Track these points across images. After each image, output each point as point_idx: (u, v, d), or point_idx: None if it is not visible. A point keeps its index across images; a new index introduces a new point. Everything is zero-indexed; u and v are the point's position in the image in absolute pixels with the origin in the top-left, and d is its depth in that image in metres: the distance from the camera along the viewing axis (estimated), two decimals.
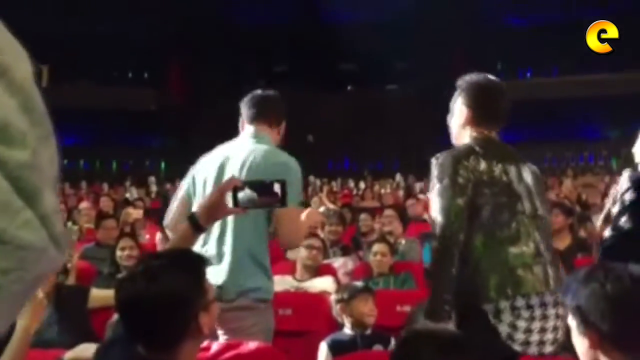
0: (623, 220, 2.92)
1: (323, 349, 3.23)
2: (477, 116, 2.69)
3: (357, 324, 3.34)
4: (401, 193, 11.95)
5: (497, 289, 2.47)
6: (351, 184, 16.72)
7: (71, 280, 4.20)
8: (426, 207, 8.71)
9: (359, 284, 3.67)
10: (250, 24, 24.70)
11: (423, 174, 17.18)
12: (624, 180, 3.11)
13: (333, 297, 3.46)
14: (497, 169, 2.57)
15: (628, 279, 1.65)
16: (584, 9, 22.76)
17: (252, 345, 2.61)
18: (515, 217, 2.54)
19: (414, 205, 8.05)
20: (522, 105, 17.33)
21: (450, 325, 2.48)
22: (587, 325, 1.66)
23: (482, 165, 2.55)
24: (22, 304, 0.45)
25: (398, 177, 16.80)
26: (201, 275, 1.78)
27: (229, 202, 2.07)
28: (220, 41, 22.76)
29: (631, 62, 22.03)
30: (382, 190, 12.87)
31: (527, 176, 2.64)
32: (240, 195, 2.07)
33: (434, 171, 2.59)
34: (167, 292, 1.68)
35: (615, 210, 3.05)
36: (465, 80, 2.76)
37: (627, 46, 23.40)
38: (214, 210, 2.10)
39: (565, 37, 23.40)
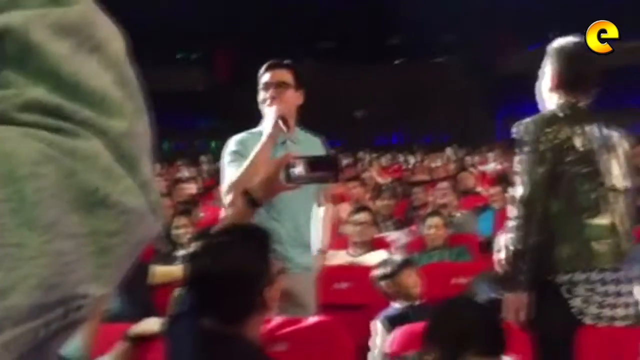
0: None
1: (378, 326, 3.23)
2: (563, 82, 2.61)
3: (405, 298, 3.33)
4: (452, 166, 11.80)
5: (572, 260, 2.44)
6: (400, 158, 16.60)
7: None
8: (479, 180, 8.62)
9: (397, 257, 3.65)
10: (295, 1, 24.61)
11: (473, 146, 17.00)
12: None
13: (374, 274, 3.45)
14: (580, 137, 2.51)
15: None
16: None
17: (311, 319, 2.64)
18: (595, 188, 2.49)
19: (467, 177, 7.94)
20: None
21: (524, 296, 2.48)
22: None
23: (565, 133, 2.50)
24: (125, 269, 0.47)
25: (449, 150, 16.60)
26: (267, 250, 1.80)
27: (283, 177, 2.08)
28: (266, 19, 22.78)
29: None
30: (433, 164, 12.75)
31: (614, 146, 2.57)
32: (295, 170, 2.07)
33: (517, 137, 2.55)
34: (235, 267, 1.70)
35: None
36: (554, 44, 2.69)
37: None
38: (270, 186, 2.10)
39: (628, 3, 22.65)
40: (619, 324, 2.43)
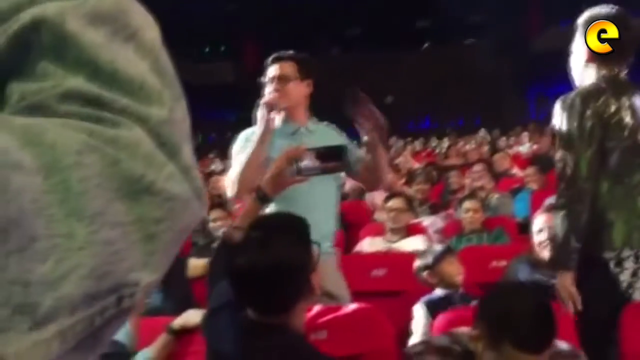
0: None
1: (420, 310, 3.22)
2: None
3: (448, 286, 3.31)
4: (486, 149, 11.67)
5: (623, 237, 2.40)
6: (433, 143, 16.48)
7: None
8: (514, 161, 8.51)
9: (437, 246, 3.61)
10: None
11: (507, 127, 16.78)
12: None
13: (416, 265, 3.42)
14: (628, 110, 2.45)
15: None
16: None
17: (350, 307, 2.64)
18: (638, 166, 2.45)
19: (501, 159, 7.85)
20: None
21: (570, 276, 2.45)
22: None
23: (613, 106, 2.44)
24: (172, 255, 0.47)
25: (482, 132, 16.43)
26: (307, 237, 1.81)
27: (293, 170, 2.07)
28: (292, 10, 22.75)
29: None
30: (467, 147, 12.63)
31: None
32: (303, 163, 2.06)
33: (561, 113, 2.50)
34: (281, 259, 1.71)
35: None
36: (585, 14, 2.61)
37: None
38: (279, 180, 2.10)
39: None
40: None
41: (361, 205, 6.29)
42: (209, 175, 9.19)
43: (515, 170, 7.72)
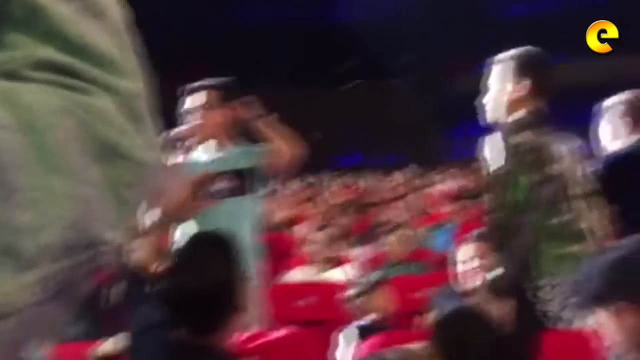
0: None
1: (340, 338, 3.26)
2: (535, 90, 2.67)
3: (379, 316, 3.38)
4: (413, 185, 11.93)
5: (554, 265, 2.51)
6: (361, 179, 16.70)
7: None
8: (439, 198, 8.74)
9: (372, 276, 3.69)
10: (251, 24, 24.73)
11: (433, 165, 17.20)
12: None
13: (349, 293, 3.49)
14: (555, 144, 2.60)
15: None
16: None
17: (282, 331, 2.66)
18: (568, 194, 2.56)
19: (424, 195, 8.07)
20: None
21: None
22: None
23: (542, 139, 2.59)
24: (135, 222, 0.51)
25: (409, 169, 16.77)
26: (235, 257, 1.85)
27: (198, 195, 2.11)
28: (221, 41, 22.81)
29: None
30: (395, 183, 12.87)
31: (572, 153, 2.65)
32: (210, 187, 2.11)
33: (491, 150, 2.60)
34: (213, 279, 1.73)
35: None
36: (517, 54, 2.74)
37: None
38: (187, 205, 2.12)
39: (565, 27, 23.33)
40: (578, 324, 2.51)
41: (290, 236, 6.33)
42: None
43: (439, 206, 7.92)
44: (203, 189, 2.14)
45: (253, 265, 3.03)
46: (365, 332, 3.13)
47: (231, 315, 1.79)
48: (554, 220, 2.54)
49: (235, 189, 2.22)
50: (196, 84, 3.11)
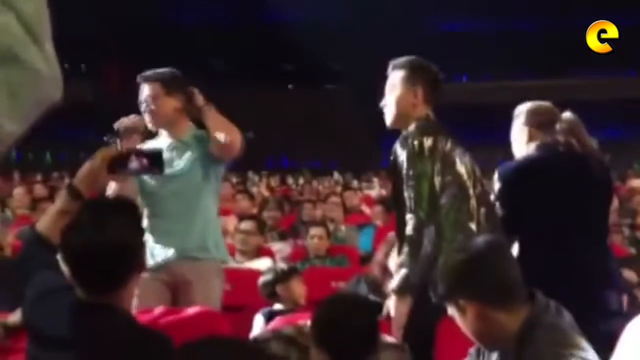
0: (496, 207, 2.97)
1: (258, 319, 3.33)
2: (429, 99, 2.81)
3: (292, 304, 3.45)
4: (339, 189, 12.10)
5: None
6: (289, 180, 16.80)
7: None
8: (363, 200, 8.92)
9: (283, 264, 3.77)
10: (189, 22, 24.54)
11: (360, 172, 17.46)
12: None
13: (264, 279, 3.54)
14: (457, 150, 2.73)
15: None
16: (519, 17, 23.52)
17: (193, 309, 2.69)
18: (467, 198, 2.68)
19: (352, 196, 8.22)
20: (457, 109, 17.90)
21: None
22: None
23: (446, 144, 2.71)
24: (32, 120, 0.59)
25: (336, 175, 16.97)
26: (139, 217, 1.94)
27: (107, 170, 2.14)
28: (159, 39, 22.57)
29: (559, 69, 22.90)
30: (320, 187, 13.02)
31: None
32: (120, 163, 2.15)
33: (408, 156, 2.69)
34: (117, 238, 1.76)
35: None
36: (414, 63, 2.86)
37: (552, 54, 24.35)
38: (93, 178, 2.15)
39: (500, 43, 24.13)
40: None
41: None
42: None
43: (364, 208, 8.09)
44: (116, 163, 2.14)
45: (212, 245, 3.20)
46: (275, 317, 3.20)
47: (130, 275, 1.84)
48: (455, 219, 2.65)
49: (148, 169, 2.26)
50: (140, 76, 3.24)
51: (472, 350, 2.02)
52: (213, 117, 3.15)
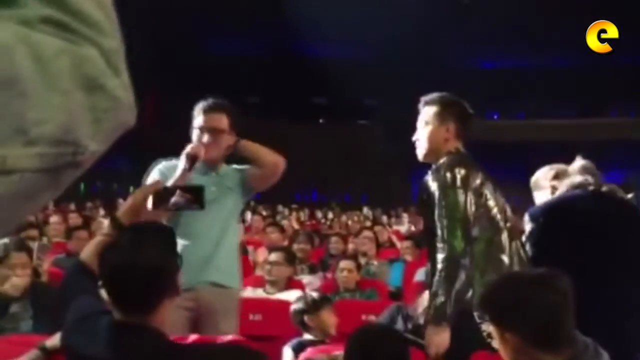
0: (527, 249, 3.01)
1: (287, 352, 3.35)
2: (460, 134, 2.92)
3: (322, 334, 3.47)
4: (368, 224, 12.11)
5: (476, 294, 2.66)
6: (319, 214, 16.84)
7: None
8: (393, 235, 8.93)
9: (318, 295, 3.80)
10: (223, 55, 24.93)
11: (389, 207, 17.44)
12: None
13: (295, 307, 3.57)
14: (489, 186, 2.84)
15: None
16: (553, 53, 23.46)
17: (226, 338, 2.73)
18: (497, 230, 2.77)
19: (381, 231, 8.25)
20: (488, 146, 17.88)
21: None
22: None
23: (477, 177, 2.82)
24: (111, 141, 0.69)
25: (365, 209, 16.98)
26: (174, 243, 1.99)
27: (150, 205, 2.22)
28: (192, 72, 22.95)
29: (594, 110, 22.77)
30: (350, 222, 13.05)
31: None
32: (162, 198, 2.23)
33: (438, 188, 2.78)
34: (152, 260, 1.84)
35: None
36: (444, 100, 2.97)
37: (586, 94, 24.21)
38: (136, 211, 2.23)
39: (533, 81, 24.08)
40: None
41: (244, 260, 6.40)
42: (93, 220, 8.98)
43: (395, 241, 8.11)
44: (158, 198, 2.23)
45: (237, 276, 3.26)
46: (304, 348, 3.23)
47: (164, 298, 1.90)
48: (487, 251, 2.72)
49: (189, 205, 2.33)
50: (214, 102, 3.24)
51: None
52: (252, 144, 3.22)
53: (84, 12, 0.66)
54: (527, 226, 2.99)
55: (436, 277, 2.71)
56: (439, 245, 2.71)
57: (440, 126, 2.88)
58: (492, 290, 1.93)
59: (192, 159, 3.01)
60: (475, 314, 2.67)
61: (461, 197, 2.69)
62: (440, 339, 2.67)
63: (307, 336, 3.47)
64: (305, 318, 3.49)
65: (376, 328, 2.60)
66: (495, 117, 26.47)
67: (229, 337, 2.75)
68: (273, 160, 3.21)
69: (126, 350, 1.86)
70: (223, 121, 3.17)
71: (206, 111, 3.19)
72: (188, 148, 3.06)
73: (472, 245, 2.70)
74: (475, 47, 24.61)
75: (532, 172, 3.38)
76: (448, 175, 2.73)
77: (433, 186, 2.77)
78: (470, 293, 2.67)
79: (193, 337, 2.72)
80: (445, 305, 2.65)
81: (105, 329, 1.91)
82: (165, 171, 3.13)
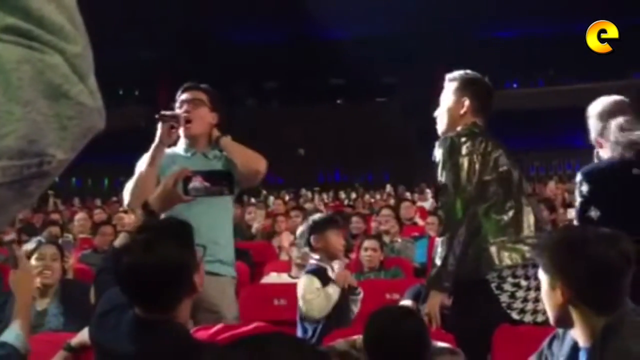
0: (591, 212, 2.99)
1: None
2: (477, 109, 2.98)
3: (328, 256, 3.44)
4: (392, 202, 12.06)
5: (499, 258, 2.66)
6: (342, 195, 16.83)
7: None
8: (417, 212, 8.87)
9: (323, 215, 3.76)
10: (239, 41, 24.90)
11: (412, 184, 17.37)
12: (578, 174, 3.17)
13: (301, 228, 3.52)
14: (500, 149, 2.90)
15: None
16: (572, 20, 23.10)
17: (249, 326, 2.74)
18: (511, 196, 2.81)
19: (407, 208, 8.17)
20: (508, 115, 17.70)
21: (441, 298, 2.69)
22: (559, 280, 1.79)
23: (488, 146, 2.89)
24: (79, 148, 0.68)
25: (388, 187, 16.93)
26: (191, 239, 1.95)
27: (180, 190, 2.22)
28: (210, 61, 22.96)
29: (613, 73, 22.40)
30: (373, 200, 13.01)
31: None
32: (192, 184, 2.22)
33: (442, 154, 2.83)
34: (166, 259, 1.82)
35: (576, 203, 3.14)
36: (464, 77, 3.05)
37: (610, 58, 23.78)
38: (167, 198, 2.23)
39: (550, 48, 23.75)
40: (541, 318, 2.61)
41: (268, 245, 6.43)
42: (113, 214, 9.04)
43: (418, 219, 8.05)
44: (181, 183, 2.23)
45: (233, 264, 3.18)
46: (318, 274, 3.34)
47: (181, 296, 1.90)
48: (502, 216, 2.73)
49: (219, 190, 2.32)
50: (194, 83, 3.30)
51: (532, 358, 2.00)
52: (232, 144, 3.18)
53: (46, 18, 0.65)
54: (583, 187, 3.03)
55: (436, 244, 2.77)
56: (439, 212, 2.84)
57: (457, 102, 2.97)
58: (554, 240, 1.86)
59: (168, 119, 3.05)
60: (493, 285, 2.65)
61: (464, 164, 2.74)
62: (431, 304, 2.74)
63: (316, 257, 3.48)
64: (311, 239, 3.45)
65: (394, 308, 2.58)
66: (515, 85, 26.18)
67: (252, 325, 2.76)
68: (250, 169, 3.13)
69: (148, 346, 1.86)
70: (202, 95, 3.21)
71: (185, 89, 3.25)
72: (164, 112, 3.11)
73: (479, 211, 2.73)
74: (492, 17, 24.27)
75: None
76: (451, 142, 2.80)
77: (438, 154, 2.83)
78: (474, 259, 2.68)
79: (217, 327, 2.73)
80: (440, 271, 2.71)
81: (127, 325, 1.92)
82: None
